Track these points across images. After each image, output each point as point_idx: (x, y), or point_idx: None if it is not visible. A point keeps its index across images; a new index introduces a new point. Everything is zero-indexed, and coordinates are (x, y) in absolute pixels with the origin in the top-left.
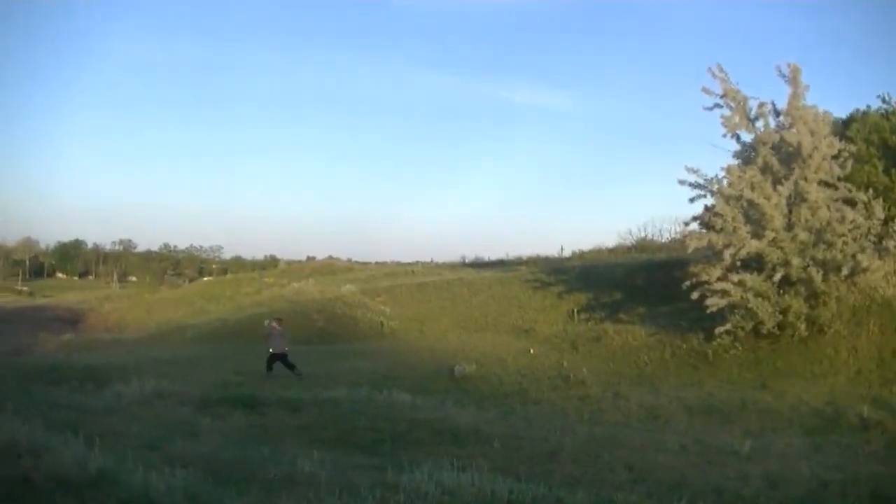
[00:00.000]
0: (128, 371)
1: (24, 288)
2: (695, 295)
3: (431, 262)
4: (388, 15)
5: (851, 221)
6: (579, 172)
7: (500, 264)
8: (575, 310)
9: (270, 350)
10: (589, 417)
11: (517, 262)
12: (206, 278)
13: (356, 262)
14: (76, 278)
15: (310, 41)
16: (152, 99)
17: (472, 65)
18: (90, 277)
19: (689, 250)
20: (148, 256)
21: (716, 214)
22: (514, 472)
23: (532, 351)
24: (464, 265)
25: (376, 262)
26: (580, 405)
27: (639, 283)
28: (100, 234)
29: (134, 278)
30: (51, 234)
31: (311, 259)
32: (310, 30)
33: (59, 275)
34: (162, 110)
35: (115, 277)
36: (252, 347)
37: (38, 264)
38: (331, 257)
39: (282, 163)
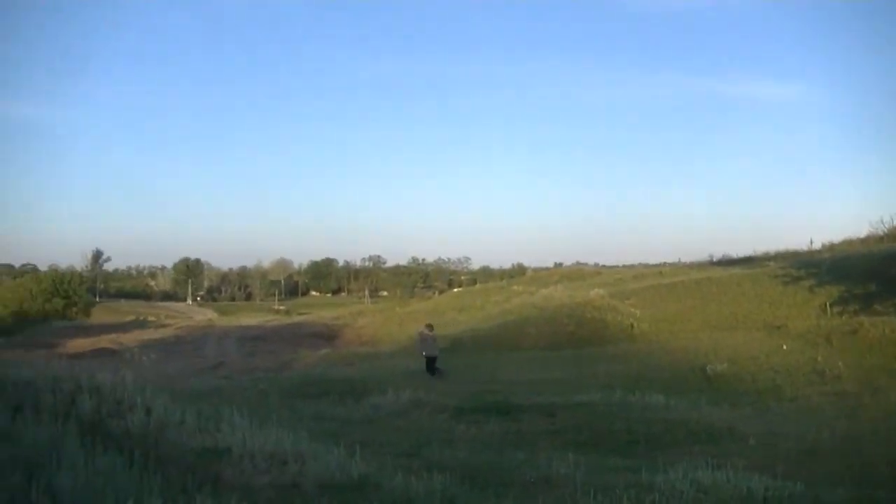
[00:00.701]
0: (384, 383)
1: (281, 307)
2: None
3: (679, 262)
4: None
5: None
6: (825, 163)
7: (748, 261)
8: (828, 303)
9: (424, 354)
10: (847, 413)
11: (765, 258)
12: (455, 289)
13: (603, 266)
14: (329, 295)
15: (543, 49)
16: (394, 114)
17: (707, 61)
18: (343, 294)
19: None
20: (397, 271)
21: None
22: (771, 469)
23: (785, 347)
24: (711, 264)
25: (623, 265)
26: (837, 401)
27: (894, 273)
28: (350, 251)
29: (385, 293)
30: (304, 253)
31: (558, 265)
32: (547, 39)
33: (313, 292)
34: (408, 126)
35: (367, 293)
36: (504, 355)
37: (292, 283)
38: (578, 263)
39: (526, 171)
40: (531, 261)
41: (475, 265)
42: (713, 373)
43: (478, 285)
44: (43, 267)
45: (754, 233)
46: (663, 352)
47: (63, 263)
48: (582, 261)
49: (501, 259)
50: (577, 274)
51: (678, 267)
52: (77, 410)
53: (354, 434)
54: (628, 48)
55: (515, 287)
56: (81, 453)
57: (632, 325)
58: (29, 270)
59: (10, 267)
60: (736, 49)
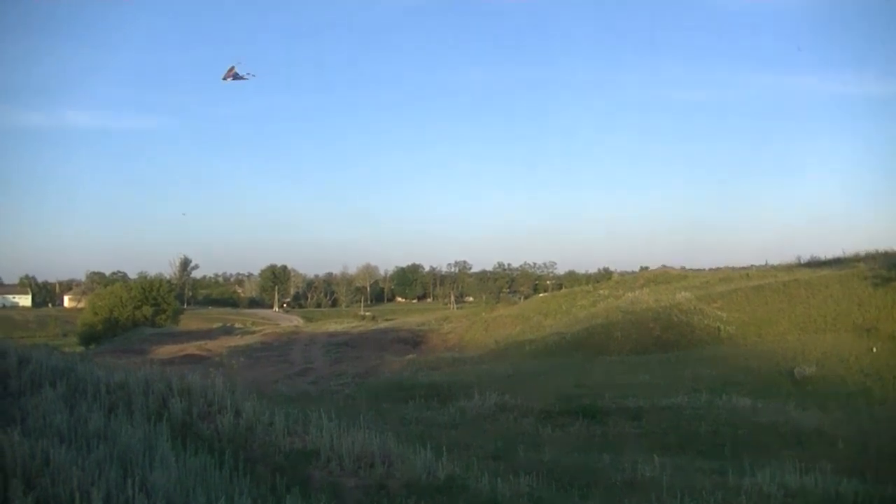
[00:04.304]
0: (470, 387)
1: (367, 313)
2: None
3: (766, 264)
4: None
5: None
6: None
7: (837, 262)
8: None
9: None
10: None
11: (854, 259)
12: (541, 294)
13: (689, 270)
14: (415, 301)
15: (628, 51)
16: (478, 122)
17: (796, 61)
18: (428, 300)
19: None
20: (483, 276)
21: None
22: (861, 473)
23: (875, 349)
24: (799, 265)
25: (710, 269)
26: None
27: None
28: (436, 257)
29: (471, 298)
30: (389, 260)
31: (644, 269)
32: (634, 40)
33: (399, 299)
34: (493, 133)
35: (453, 298)
36: (591, 359)
37: (378, 290)
38: (664, 266)
39: (611, 176)
40: (617, 265)
41: (561, 270)
42: (801, 376)
43: (564, 290)
44: (133, 275)
45: (844, 234)
46: (750, 355)
47: (152, 271)
48: (668, 264)
49: (587, 263)
50: (662, 277)
51: (765, 269)
52: (169, 412)
53: (441, 437)
54: (719, 48)
55: (601, 291)
56: (173, 453)
57: (719, 329)
58: (119, 278)
59: (101, 275)
60: (834, 47)
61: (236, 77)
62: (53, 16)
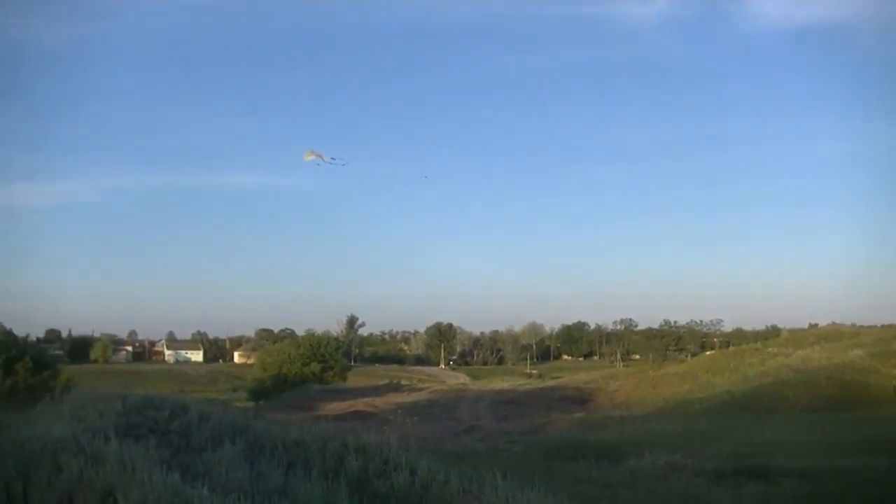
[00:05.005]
0: (639, 446)
1: (534, 371)
2: None
3: None
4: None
5: None
6: None
7: None
8: None
9: None
10: None
11: None
12: (708, 352)
13: (861, 326)
14: (581, 359)
15: (781, 106)
16: (640, 177)
17: None
18: (594, 357)
19: None
20: (649, 334)
21: None
22: None
23: None
24: None
25: (882, 325)
26: None
27: None
28: (601, 315)
29: (637, 356)
30: (555, 317)
31: (813, 326)
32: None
33: (565, 356)
34: (655, 188)
35: (619, 356)
36: (762, 417)
37: (544, 347)
38: (833, 323)
39: (777, 230)
40: (784, 321)
41: (728, 327)
42: None
43: (731, 347)
44: (300, 332)
45: None
46: None
47: (319, 328)
48: (837, 321)
49: (754, 320)
50: (833, 334)
51: None
52: (345, 469)
53: (613, 498)
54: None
55: (771, 349)
56: None
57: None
58: (287, 335)
59: (269, 331)
60: None
61: (321, 159)
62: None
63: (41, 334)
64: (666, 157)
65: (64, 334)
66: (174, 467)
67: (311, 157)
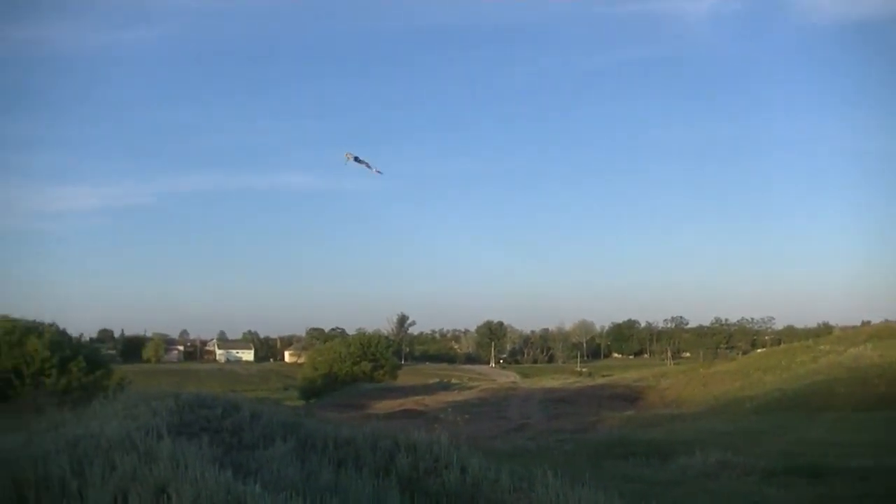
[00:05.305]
0: (690, 444)
1: (584, 369)
2: None
3: None
4: None
5: None
6: None
7: None
8: None
9: None
10: None
11: None
12: (759, 350)
13: None
14: (631, 357)
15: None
16: (692, 176)
17: None
18: (645, 356)
19: None
20: (700, 332)
21: None
22: None
23: None
24: None
25: None
26: None
27: None
28: (652, 313)
29: (688, 354)
30: (605, 315)
31: (865, 323)
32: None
33: (615, 354)
34: (707, 187)
35: (669, 354)
36: (814, 416)
37: (594, 345)
38: (886, 320)
39: (829, 227)
40: (837, 319)
41: (779, 325)
42: None
43: (783, 345)
44: (351, 331)
45: None
46: None
47: (370, 327)
48: (890, 318)
49: (806, 318)
50: (886, 332)
51: None
52: (396, 467)
53: (662, 496)
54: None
55: (822, 346)
56: None
57: None
58: (338, 334)
59: (320, 330)
60: None
61: (357, 160)
62: None
63: (94, 334)
64: (719, 156)
65: (116, 334)
66: (226, 465)
67: (350, 160)
